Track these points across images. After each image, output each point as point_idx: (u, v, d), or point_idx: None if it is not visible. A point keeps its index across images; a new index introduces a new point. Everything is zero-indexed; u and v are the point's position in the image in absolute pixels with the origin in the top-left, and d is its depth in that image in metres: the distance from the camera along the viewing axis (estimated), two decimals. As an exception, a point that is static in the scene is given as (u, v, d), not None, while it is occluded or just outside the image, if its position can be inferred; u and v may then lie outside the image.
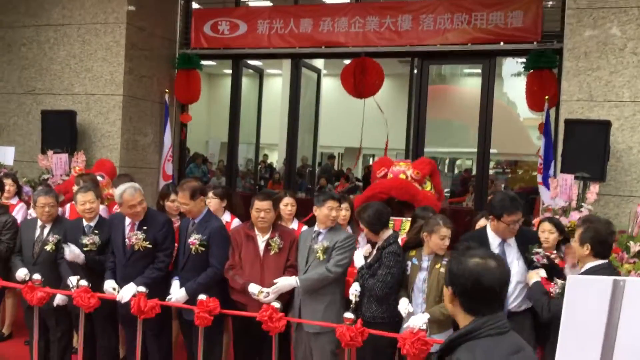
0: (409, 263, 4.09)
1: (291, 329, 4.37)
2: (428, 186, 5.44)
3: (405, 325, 3.78)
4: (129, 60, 7.86)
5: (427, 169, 5.50)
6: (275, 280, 4.21)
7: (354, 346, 3.78)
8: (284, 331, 4.09)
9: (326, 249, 4.21)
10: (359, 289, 4.04)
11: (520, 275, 3.84)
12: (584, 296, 2.26)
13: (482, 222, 4.57)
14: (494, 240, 3.89)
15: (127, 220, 4.53)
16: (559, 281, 3.58)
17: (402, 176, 5.35)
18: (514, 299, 3.84)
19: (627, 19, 5.84)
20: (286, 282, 4.21)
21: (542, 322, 3.72)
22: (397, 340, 3.71)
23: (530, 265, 3.85)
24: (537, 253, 3.83)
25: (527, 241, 3.91)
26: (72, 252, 4.48)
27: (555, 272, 3.87)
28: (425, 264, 4.00)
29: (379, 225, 4.17)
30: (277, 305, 4.04)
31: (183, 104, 8.83)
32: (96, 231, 4.65)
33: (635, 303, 2.16)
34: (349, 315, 3.80)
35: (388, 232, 4.19)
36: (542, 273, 3.77)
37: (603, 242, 3.58)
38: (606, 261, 3.56)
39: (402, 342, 3.60)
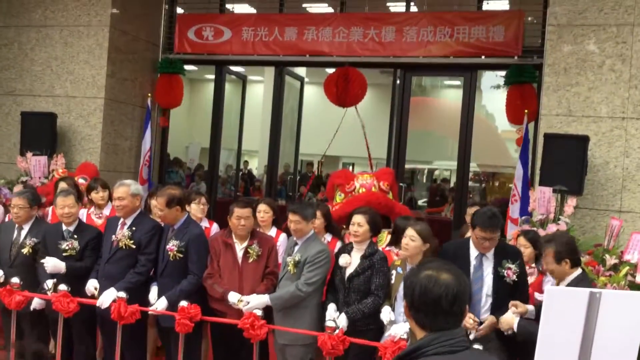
0: (394, 272, 4.13)
1: (270, 336, 4.37)
2: (390, 195, 5.46)
3: (387, 334, 3.81)
4: (112, 64, 7.81)
5: (391, 179, 5.50)
6: (247, 299, 4.17)
7: (335, 355, 3.80)
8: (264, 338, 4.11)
9: (297, 262, 4.18)
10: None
11: (491, 289, 3.83)
12: (561, 308, 2.31)
13: (469, 233, 4.63)
14: (473, 251, 3.91)
15: (120, 220, 4.54)
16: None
17: (374, 189, 5.32)
18: (485, 311, 3.84)
19: (606, 36, 5.98)
20: (259, 300, 4.17)
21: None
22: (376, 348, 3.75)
23: (500, 279, 3.81)
24: (509, 269, 3.81)
25: (505, 256, 3.86)
26: (53, 265, 4.45)
27: (520, 287, 3.86)
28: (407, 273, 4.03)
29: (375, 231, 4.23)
30: (258, 312, 4.04)
31: (164, 109, 8.79)
32: (75, 236, 4.62)
33: (610, 314, 2.21)
34: (330, 324, 3.82)
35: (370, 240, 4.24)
36: (510, 316, 3.68)
37: (575, 250, 3.73)
38: (580, 269, 3.65)
39: (383, 351, 3.64)
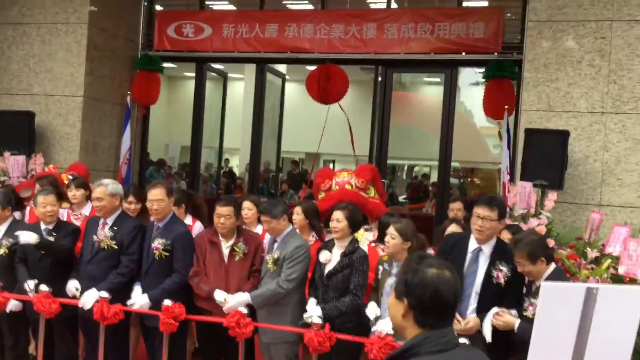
0: (380, 268, 4.13)
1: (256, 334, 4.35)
2: (372, 192, 5.45)
3: (373, 330, 3.81)
4: (90, 61, 7.71)
5: (370, 176, 5.47)
6: (227, 298, 4.15)
7: (322, 352, 3.79)
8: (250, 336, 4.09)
9: (276, 260, 4.16)
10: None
11: (480, 287, 3.78)
12: (556, 303, 2.32)
13: (451, 228, 4.64)
14: (472, 245, 3.85)
15: (101, 220, 4.47)
16: (534, 301, 3.49)
17: (348, 186, 5.31)
18: (472, 310, 3.79)
19: (585, 32, 6.05)
20: (240, 299, 4.13)
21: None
22: (362, 344, 3.75)
23: (490, 280, 3.75)
24: (500, 270, 3.73)
25: (502, 257, 3.78)
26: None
27: (512, 290, 3.79)
28: (394, 269, 4.03)
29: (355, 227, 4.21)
30: (244, 311, 4.02)
31: (145, 106, 8.71)
32: (54, 233, 4.55)
33: (607, 310, 2.23)
34: (317, 320, 3.81)
35: (351, 237, 4.23)
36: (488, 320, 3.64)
37: (547, 246, 3.67)
38: (553, 264, 3.65)
39: (370, 347, 3.63)
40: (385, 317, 3.90)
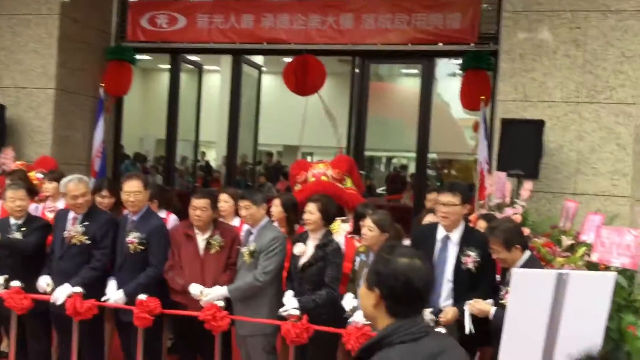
0: (357, 259, 4.12)
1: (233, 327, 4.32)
2: (348, 183, 5.45)
3: (350, 321, 3.80)
4: (62, 53, 7.55)
5: (346, 167, 5.47)
6: (207, 291, 4.10)
7: (300, 343, 3.77)
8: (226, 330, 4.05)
9: (253, 252, 4.14)
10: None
11: (451, 274, 3.81)
12: (528, 289, 2.32)
13: (428, 218, 4.64)
14: (440, 233, 3.90)
15: (71, 214, 4.37)
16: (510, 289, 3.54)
17: (324, 178, 5.29)
18: (445, 298, 3.82)
19: (560, 22, 6.08)
20: (217, 292, 4.11)
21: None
22: (340, 335, 3.74)
23: (461, 266, 3.78)
24: (468, 256, 3.77)
25: (470, 243, 3.82)
26: None
27: (484, 277, 3.82)
28: (371, 260, 4.03)
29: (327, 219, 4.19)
30: (220, 304, 3.98)
31: (118, 99, 8.58)
32: (23, 228, 4.46)
33: (577, 295, 2.23)
34: (294, 312, 3.79)
35: (325, 229, 4.20)
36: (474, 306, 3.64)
37: (522, 234, 3.73)
38: (528, 252, 3.68)
39: (347, 338, 3.63)
40: None
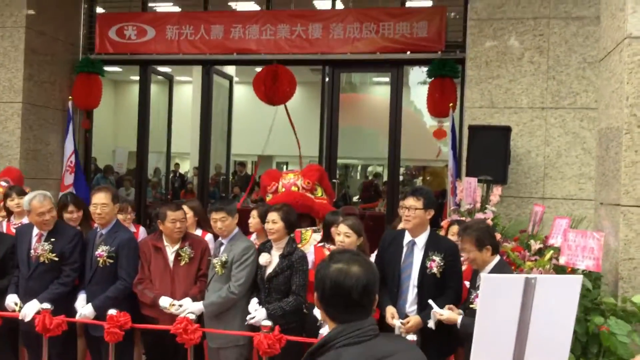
0: None
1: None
2: (319, 192, 5.46)
3: (322, 331, 3.80)
4: (29, 66, 7.46)
5: (316, 176, 5.47)
6: (180, 303, 4.08)
7: (272, 354, 3.76)
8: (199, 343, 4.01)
9: (224, 263, 4.12)
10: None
11: (417, 279, 3.80)
12: (497, 294, 2.35)
13: (401, 225, 4.67)
14: (406, 238, 3.91)
15: (35, 231, 4.29)
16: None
17: (294, 188, 5.29)
18: (410, 303, 3.82)
19: (524, 29, 6.20)
20: (194, 307, 4.08)
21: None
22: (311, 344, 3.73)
23: (425, 270, 3.78)
24: (433, 261, 3.78)
25: (435, 247, 3.83)
26: None
27: (450, 282, 3.82)
28: None
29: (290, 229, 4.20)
30: (191, 316, 3.95)
31: (87, 111, 8.50)
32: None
33: (545, 299, 2.27)
34: (266, 322, 3.78)
35: (288, 238, 4.22)
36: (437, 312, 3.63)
37: (494, 236, 3.73)
38: (498, 256, 3.71)
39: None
40: None
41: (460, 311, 3.66)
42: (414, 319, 3.71)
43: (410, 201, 3.83)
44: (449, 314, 3.60)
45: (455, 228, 4.73)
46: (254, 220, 4.76)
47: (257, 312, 3.97)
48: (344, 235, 3.98)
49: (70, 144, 7.79)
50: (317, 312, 3.93)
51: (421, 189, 3.93)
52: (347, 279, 1.82)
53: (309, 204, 5.11)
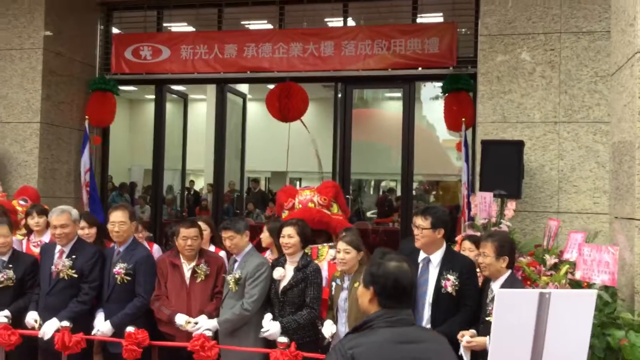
0: (334, 284, 4.16)
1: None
2: (335, 208, 5.48)
3: (324, 330, 3.88)
4: (47, 87, 7.61)
5: (332, 193, 5.49)
6: (195, 320, 4.12)
7: (288, 370, 3.77)
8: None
9: (238, 279, 4.16)
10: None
11: (432, 297, 3.78)
12: (512, 309, 2.36)
13: None
14: (421, 255, 3.90)
15: (58, 247, 4.37)
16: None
17: (311, 205, 5.32)
18: (426, 321, 3.78)
19: (535, 44, 6.23)
20: (210, 324, 4.11)
21: None
22: None
23: (440, 290, 3.75)
24: (448, 279, 3.75)
25: (450, 265, 3.80)
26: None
27: (466, 300, 3.78)
28: (346, 283, 4.07)
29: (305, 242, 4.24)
30: (208, 333, 3.98)
31: (105, 130, 8.63)
32: (10, 265, 4.46)
33: (560, 314, 2.28)
34: (282, 339, 3.80)
35: (302, 252, 4.26)
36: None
37: (514, 251, 3.77)
38: (509, 271, 3.71)
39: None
40: (341, 331, 3.94)
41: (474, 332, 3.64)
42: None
43: (419, 220, 3.82)
44: (479, 339, 3.55)
45: (467, 243, 4.73)
46: (264, 235, 4.81)
47: (270, 325, 3.99)
48: (344, 252, 4.01)
49: (85, 162, 7.89)
50: (326, 331, 3.97)
51: (431, 209, 3.88)
52: (404, 274, 2.26)
53: (326, 220, 5.14)
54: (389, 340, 2.11)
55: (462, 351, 3.60)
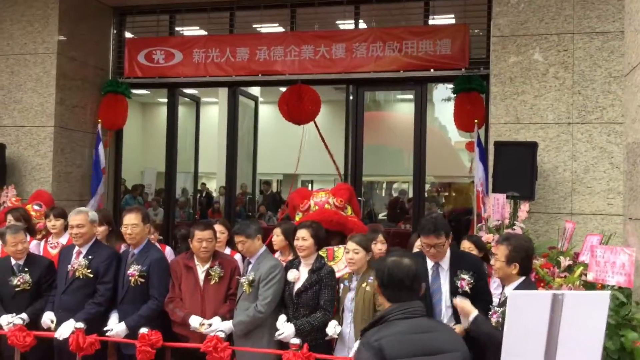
0: (341, 285, 4.17)
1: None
2: (349, 211, 5.50)
3: (327, 330, 3.92)
4: (60, 91, 7.68)
5: (347, 195, 5.50)
6: (209, 322, 4.15)
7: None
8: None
9: (252, 282, 4.18)
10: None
11: (449, 300, 3.77)
12: (525, 310, 2.35)
13: (418, 242, 4.66)
14: (429, 262, 3.88)
15: (75, 249, 4.44)
16: (498, 309, 3.47)
17: (327, 206, 5.34)
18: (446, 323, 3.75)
19: (548, 45, 6.20)
20: (225, 326, 4.15)
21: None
22: None
23: (455, 291, 3.75)
24: (463, 279, 3.75)
25: (461, 265, 3.81)
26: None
27: (480, 296, 3.78)
28: (354, 284, 4.08)
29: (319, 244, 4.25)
30: (221, 335, 4.00)
31: (118, 132, 8.69)
32: (26, 269, 4.52)
33: (573, 315, 2.26)
34: (295, 340, 3.81)
35: (317, 254, 4.28)
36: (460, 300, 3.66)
37: (529, 258, 3.61)
38: (524, 277, 3.65)
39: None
40: (346, 332, 3.95)
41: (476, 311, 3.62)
42: (458, 327, 3.64)
43: (433, 240, 3.75)
44: (468, 304, 3.59)
45: (467, 243, 4.72)
46: (277, 238, 4.83)
47: (285, 327, 4.00)
48: (353, 252, 4.05)
49: (99, 164, 7.94)
50: (329, 330, 4.00)
51: (437, 224, 3.80)
52: (401, 268, 2.45)
53: (342, 221, 5.16)
54: (408, 331, 2.31)
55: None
